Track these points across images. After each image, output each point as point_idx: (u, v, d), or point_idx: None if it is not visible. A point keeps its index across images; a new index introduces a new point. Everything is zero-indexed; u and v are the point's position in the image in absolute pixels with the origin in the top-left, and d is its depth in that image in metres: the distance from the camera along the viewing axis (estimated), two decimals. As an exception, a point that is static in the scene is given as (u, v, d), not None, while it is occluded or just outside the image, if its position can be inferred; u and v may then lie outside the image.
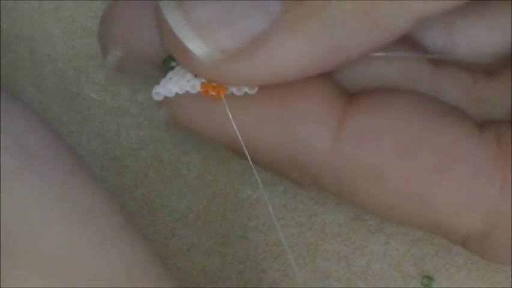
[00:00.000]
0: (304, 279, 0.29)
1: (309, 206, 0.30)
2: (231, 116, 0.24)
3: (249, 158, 0.25)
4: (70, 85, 0.30)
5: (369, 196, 0.24)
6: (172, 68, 0.25)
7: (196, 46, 0.23)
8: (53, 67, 0.30)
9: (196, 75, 0.24)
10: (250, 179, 0.30)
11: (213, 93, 0.24)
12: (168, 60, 0.25)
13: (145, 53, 0.25)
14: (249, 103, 0.24)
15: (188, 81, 0.24)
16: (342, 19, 0.22)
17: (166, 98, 0.24)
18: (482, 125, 0.25)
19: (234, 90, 0.24)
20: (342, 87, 0.25)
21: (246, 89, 0.24)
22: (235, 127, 0.24)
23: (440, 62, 0.27)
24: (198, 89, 0.24)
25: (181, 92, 0.24)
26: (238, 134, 0.24)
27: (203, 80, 0.24)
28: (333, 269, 0.29)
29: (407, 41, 0.26)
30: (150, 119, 0.30)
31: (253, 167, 0.25)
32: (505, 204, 0.23)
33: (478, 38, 0.26)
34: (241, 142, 0.24)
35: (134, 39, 0.25)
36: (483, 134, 0.24)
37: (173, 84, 0.24)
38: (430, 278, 0.29)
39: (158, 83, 0.24)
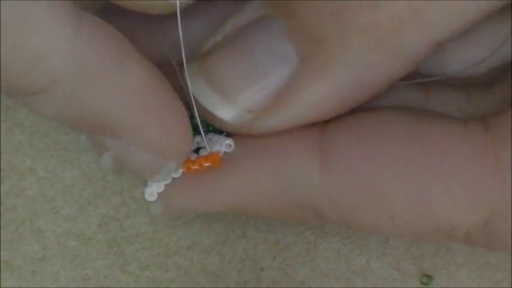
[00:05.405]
0: (304, 278, 0.29)
1: (308, 205, 0.30)
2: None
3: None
4: (70, 83, 0.30)
5: (369, 213, 0.24)
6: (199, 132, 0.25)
7: (224, 112, 0.23)
8: (53, 65, 0.30)
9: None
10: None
11: (195, 168, 0.25)
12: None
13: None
14: (239, 162, 0.25)
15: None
16: (362, 54, 0.22)
17: (159, 195, 0.25)
18: (468, 119, 0.25)
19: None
20: None
21: (224, 149, 0.25)
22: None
23: (430, 87, 0.27)
24: (180, 172, 0.25)
25: (168, 182, 0.25)
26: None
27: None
28: (332, 268, 0.29)
29: None
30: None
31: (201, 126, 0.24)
32: (500, 190, 0.23)
33: (467, 56, 0.26)
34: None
35: None
36: (469, 126, 0.24)
37: (158, 183, 0.25)
38: (429, 277, 0.29)
39: (146, 184, 0.26)
